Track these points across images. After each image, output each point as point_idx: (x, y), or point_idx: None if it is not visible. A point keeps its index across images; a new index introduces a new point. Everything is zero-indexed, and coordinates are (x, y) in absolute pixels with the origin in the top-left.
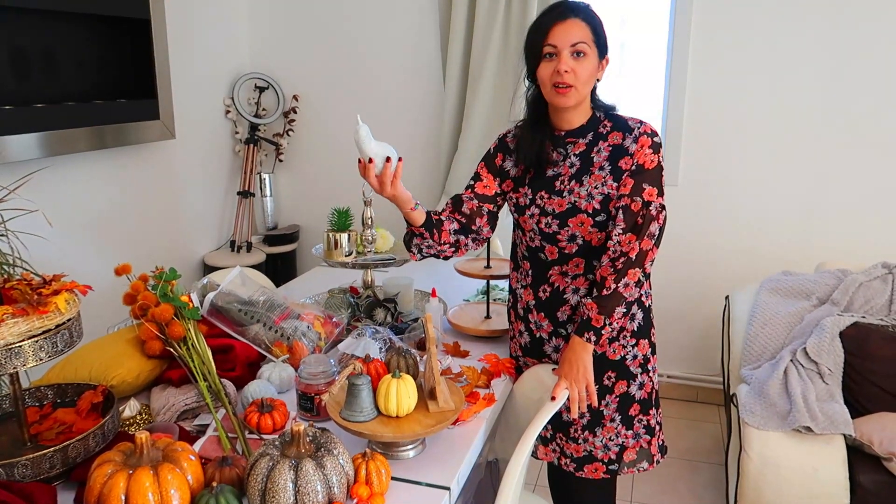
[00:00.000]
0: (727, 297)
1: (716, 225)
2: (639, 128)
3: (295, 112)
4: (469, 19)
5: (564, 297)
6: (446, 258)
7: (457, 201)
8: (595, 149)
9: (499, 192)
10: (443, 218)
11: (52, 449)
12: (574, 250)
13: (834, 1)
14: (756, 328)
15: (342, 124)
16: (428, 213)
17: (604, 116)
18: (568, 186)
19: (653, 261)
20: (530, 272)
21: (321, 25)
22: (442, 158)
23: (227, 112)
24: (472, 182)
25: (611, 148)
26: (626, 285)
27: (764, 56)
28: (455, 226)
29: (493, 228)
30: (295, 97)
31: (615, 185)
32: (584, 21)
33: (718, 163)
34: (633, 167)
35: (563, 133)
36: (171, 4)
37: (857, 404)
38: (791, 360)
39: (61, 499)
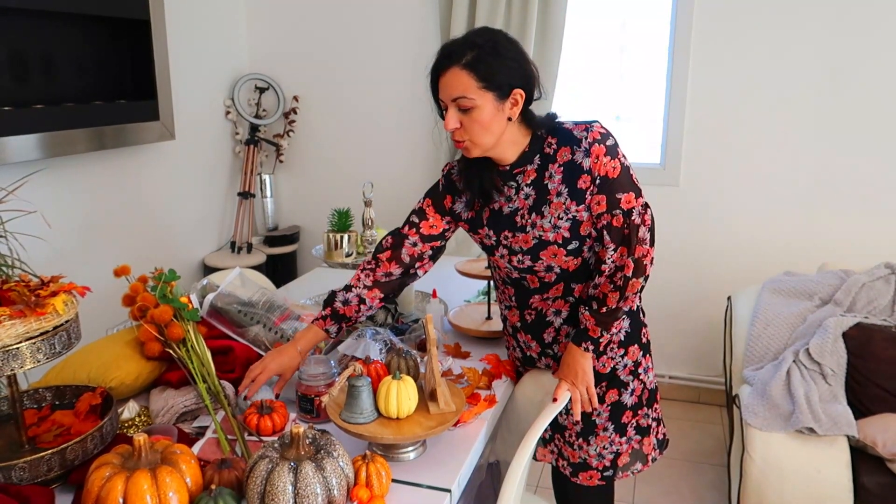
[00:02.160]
0: (729, 298)
1: (717, 226)
2: (587, 137)
3: (295, 113)
4: (469, 20)
5: (547, 319)
6: None
7: (396, 246)
8: (546, 173)
9: (447, 227)
10: (361, 295)
11: (49, 451)
12: (553, 278)
13: (834, 3)
14: (758, 329)
15: (343, 125)
16: (334, 322)
17: (546, 133)
18: (529, 220)
19: (652, 261)
20: (514, 297)
21: (321, 26)
22: (442, 159)
23: (228, 113)
24: (416, 220)
25: (562, 169)
26: (626, 299)
27: (765, 57)
28: (377, 296)
29: (434, 261)
30: (295, 98)
31: (581, 207)
32: (467, 68)
33: (720, 164)
34: (598, 181)
35: (507, 166)
36: (170, 5)
37: (861, 405)
38: (794, 361)
39: (59, 502)
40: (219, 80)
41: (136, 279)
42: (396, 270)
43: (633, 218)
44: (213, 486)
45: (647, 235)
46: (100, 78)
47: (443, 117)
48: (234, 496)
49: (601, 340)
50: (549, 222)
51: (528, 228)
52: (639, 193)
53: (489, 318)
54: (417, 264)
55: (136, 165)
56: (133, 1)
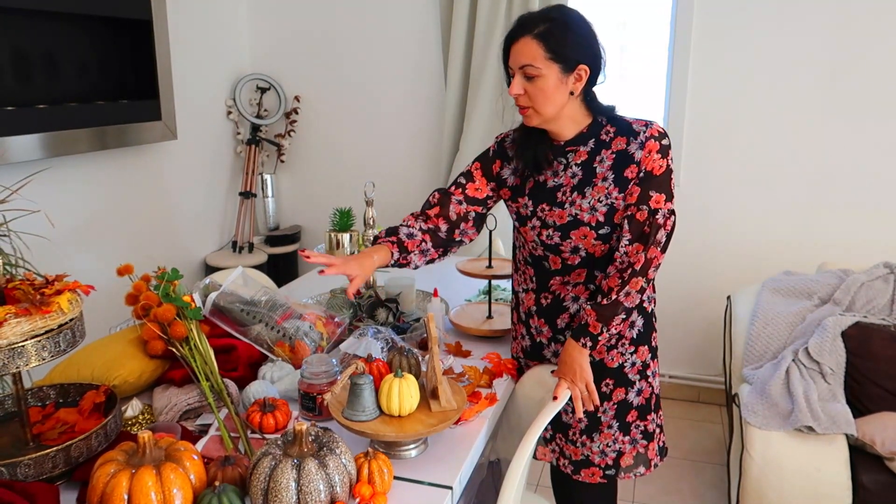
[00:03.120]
0: (729, 297)
1: (717, 225)
2: (645, 131)
3: (296, 112)
4: (470, 19)
5: (564, 304)
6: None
7: (444, 203)
8: (598, 157)
9: (490, 195)
10: (420, 236)
11: (54, 449)
12: (577, 262)
13: (834, 4)
14: (758, 328)
15: (344, 125)
16: (398, 247)
17: (606, 121)
18: (570, 198)
19: (658, 267)
20: (533, 278)
21: (322, 26)
22: (443, 158)
23: (229, 113)
24: (462, 181)
25: (614, 156)
26: (628, 294)
27: (764, 56)
28: (429, 243)
29: (478, 230)
30: (296, 98)
31: (621, 196)
32: (538, 38)
33: (720, 163)
34: (641, 174)
35: (562, 142)
36: (172, 5)
37: (859, 404)
38: (793, 360)
39: (64, 498)
40: (220, 79)
41: (139, 278)
42: (444, 227)
43: (657, 217)
44: (216, 483)
45: (664, 240)
46: (102, 78)
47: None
48: (238, 493)
49: (600, 339)
50: (589, 203)
51: (567, 206)
52: (669, 198)
53: (490, 316)
54: (463, 225)
55: (138, 165)
56: (135, 1)
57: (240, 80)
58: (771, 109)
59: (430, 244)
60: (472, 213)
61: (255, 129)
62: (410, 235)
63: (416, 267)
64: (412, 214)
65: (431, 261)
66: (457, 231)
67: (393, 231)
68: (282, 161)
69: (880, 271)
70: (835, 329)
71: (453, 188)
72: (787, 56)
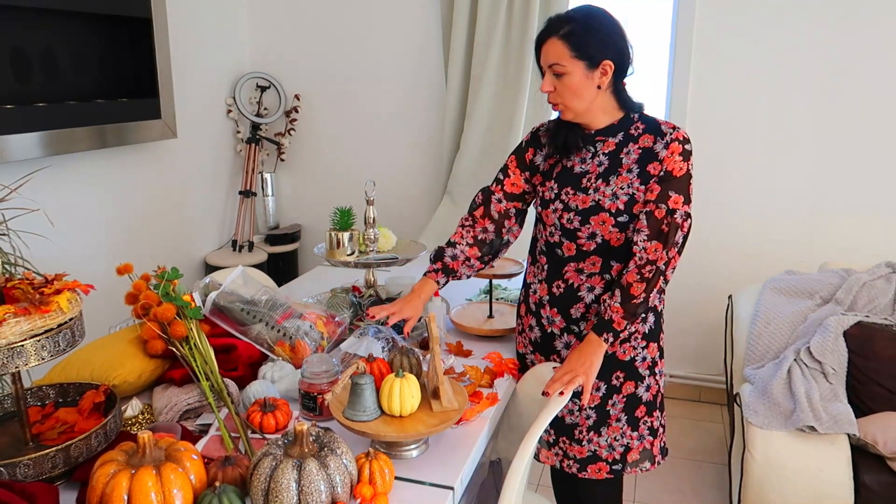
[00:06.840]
0: (730, 297)
1: (719, 224)
2: (671, 133)
3: (297, 111)
4: (471, 18)
5: (579, 294)
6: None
7: (486, 202)
8: (625, 150)
9: (527, 189)
10: (464, 252)
11: (53, 449)
12: (592, 248)
13: (835, 5)
14: (759, 327)
15: (344, 123)
16: (444, 275)
17: (637, 118)
18: (594, 184)
19: (674, 268)
20: (546, 267)
21: (323, 24)
22: (444, 157)
23: (229, 111)
24: (500, 177)
25: (640, 150)
26: (650, 293)
27: (766, 56)
28: (476, 255)
29: (521, 226)
30: (297, 96)
31: (642, 188)
32: (563, 38)
33: (722, 162)
34: (662, 173)
35: (592, 131)
36: (172, 3)
37: (861, 404)
38: (795, 360)
39: (63, 499)
40: (220, 78)
41: (139, 277)
42: (490, 227)
43: (675, 217)
44: (217, 484)
45: (681, 241)
46: (102, 76)
47: None
48: (238, 493)
49: (621, 335)
50: (611, 190)
51: (591, 192)
52: (687, 201)
53: (491, 316)
54: (506, 223)
55: (137, 164)
56: None
57: (240, 79)
58: (772, 109)
59: (473, 258)
60: (513, 210)
61: (255, 127)
62: (454, 257)
63: (469, 276)
64: (461, 223)
65: (481, 268)
66: (503, 230)
67: (439, 255)
68: (282, 160)
69: (882, 271)
70: (837, 329)
71: (494, 185)
72: (789, 56)
